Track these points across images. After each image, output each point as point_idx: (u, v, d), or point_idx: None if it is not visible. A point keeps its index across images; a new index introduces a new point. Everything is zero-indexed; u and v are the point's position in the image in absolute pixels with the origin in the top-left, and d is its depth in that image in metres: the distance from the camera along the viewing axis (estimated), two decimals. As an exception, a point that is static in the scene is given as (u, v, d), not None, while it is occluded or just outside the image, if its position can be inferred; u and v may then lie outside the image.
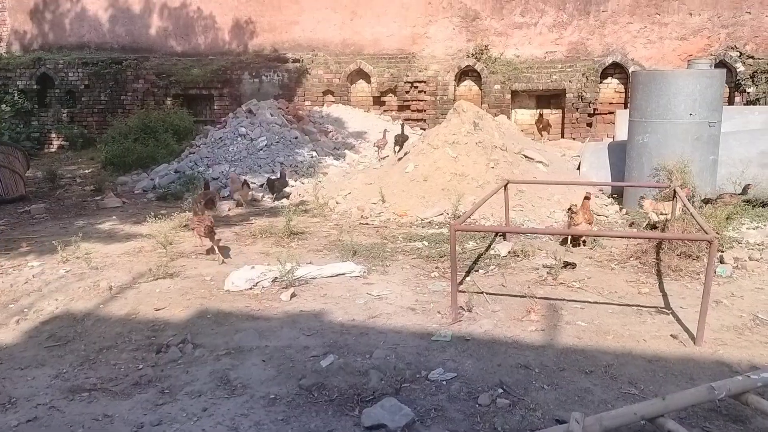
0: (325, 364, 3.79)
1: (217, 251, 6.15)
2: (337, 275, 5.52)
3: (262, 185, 9.87)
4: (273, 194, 9.44)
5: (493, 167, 8.60)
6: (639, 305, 4.83)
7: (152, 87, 15.39)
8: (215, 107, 15.13)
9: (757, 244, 6.37)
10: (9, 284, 5.41)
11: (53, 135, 15.95)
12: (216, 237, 6.21)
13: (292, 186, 9.89)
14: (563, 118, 13.64)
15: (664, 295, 5.05)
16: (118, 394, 3.48)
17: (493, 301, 4.93)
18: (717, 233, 4.54)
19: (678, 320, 4.51)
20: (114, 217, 8.30)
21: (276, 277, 5.39)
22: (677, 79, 7.58)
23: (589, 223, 6.34)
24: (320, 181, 10.10)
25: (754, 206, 7.70)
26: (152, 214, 7.33)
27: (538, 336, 4.26)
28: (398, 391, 3.47)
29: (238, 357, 3.93)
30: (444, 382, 3.58)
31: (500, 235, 6.86)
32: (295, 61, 14.70)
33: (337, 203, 8.80)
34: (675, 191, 6.14)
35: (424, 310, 4.78)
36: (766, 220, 7.26)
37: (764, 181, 7.95)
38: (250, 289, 5.22)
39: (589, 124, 13.35)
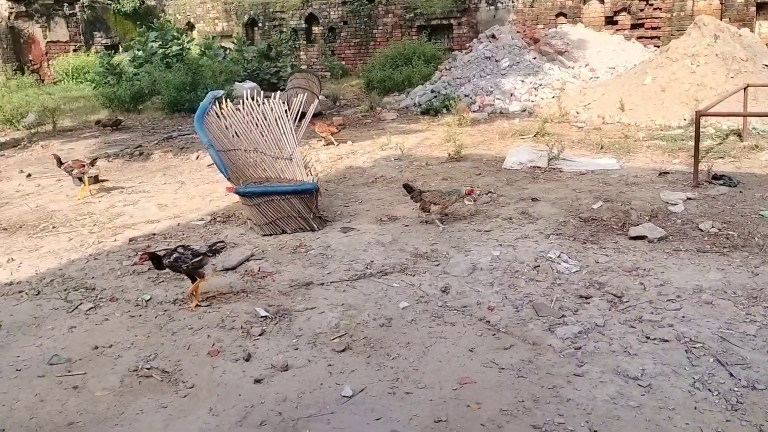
0: (595, 207, 5.39)
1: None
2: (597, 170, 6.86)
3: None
4: None
5: (732, 77, 9.18)
6: None
7: (399, 20, 17.54)
8: (454, 35, 16.84)
9: None
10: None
11: (318, 66, 19.01)
12: None
13: (532, 101, 11.33)
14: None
15: None
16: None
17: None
18: None
19: None
20: (395, 123, 10.54)
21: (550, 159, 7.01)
22: None
23: None
24: (558, 96, 11.37)
25: None
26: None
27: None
28: (651, 219, 4.97)
29: (531, 203, 5.67)
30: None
31: (735, 134, 7.71)
32: (531, -15, 15.70)
33: (578, 113, 10.07)
34: None
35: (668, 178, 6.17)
36: None
37: None
38: (524, 169, 6.92)
39: None
